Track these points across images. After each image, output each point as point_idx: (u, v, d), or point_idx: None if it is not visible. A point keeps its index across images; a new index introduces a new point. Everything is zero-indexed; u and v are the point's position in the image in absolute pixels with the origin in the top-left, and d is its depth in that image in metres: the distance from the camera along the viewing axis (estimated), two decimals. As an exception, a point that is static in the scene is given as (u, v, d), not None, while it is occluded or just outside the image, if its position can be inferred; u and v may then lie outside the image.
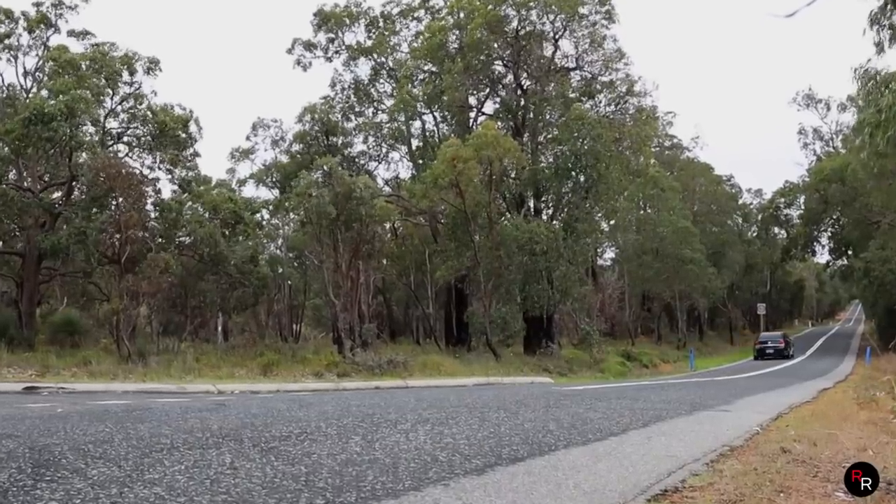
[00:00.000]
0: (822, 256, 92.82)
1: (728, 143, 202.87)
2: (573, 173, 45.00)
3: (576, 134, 44.03)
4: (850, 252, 79.05)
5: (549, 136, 50.83)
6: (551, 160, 48.32)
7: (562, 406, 15.42)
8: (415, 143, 55.49)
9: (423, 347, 50.11)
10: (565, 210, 47.25)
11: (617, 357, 51.84)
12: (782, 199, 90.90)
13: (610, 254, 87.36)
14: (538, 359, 42.20)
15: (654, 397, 19.43)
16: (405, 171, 60.56)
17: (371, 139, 57.74)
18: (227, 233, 38.57)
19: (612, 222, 71.57)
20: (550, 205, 49.74)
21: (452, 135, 48.45)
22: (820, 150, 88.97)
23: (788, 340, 68.14)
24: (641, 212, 78.21)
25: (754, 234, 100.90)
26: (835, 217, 79.67)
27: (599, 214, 55.54)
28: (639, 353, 58.40)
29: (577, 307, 51.43)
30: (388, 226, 48.67)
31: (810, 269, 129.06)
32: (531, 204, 49.10)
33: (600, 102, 51.33)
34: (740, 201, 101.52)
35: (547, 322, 47.06)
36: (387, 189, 56.45)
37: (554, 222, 46.67)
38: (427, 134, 54.42)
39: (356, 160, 56.91)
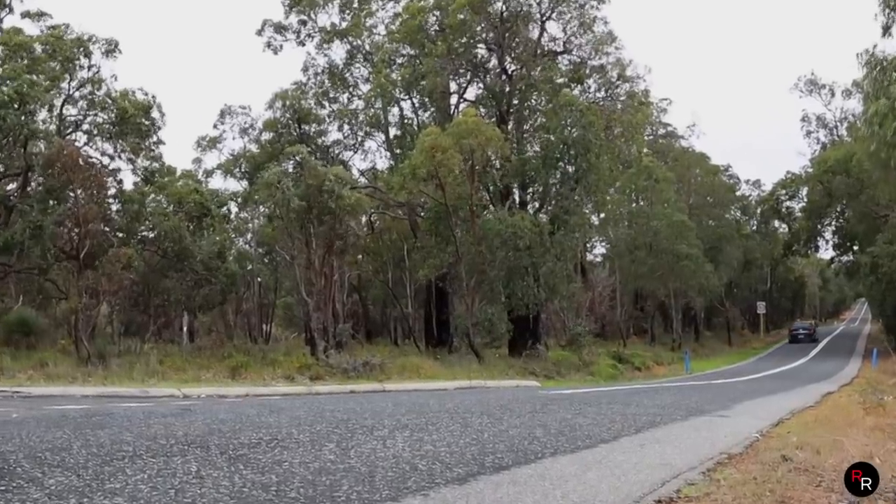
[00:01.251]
0: (826, 252, 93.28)
1: (725, 131, 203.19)
2: (561, 163, 44.91)
3: (564, 121, 43.98)
4: (855, 247, 79.27)
5: (536, 123, 50.97)
6: (538, 149, 48.49)
7: (549, 411, 15.56)
8: (392, 131, 55.54)
9: (401, 349, 50.27)
10: (553, 202, 47.14)
11: (608, 359, 51.82)
12: (783, 191, 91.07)
13: (600, 249, 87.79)
14: (524, 361, 42.18)
15: (648, 402, 19.58)
16: (382, 161, 60.62)
17: (346, 127, 57.66)
18: (192, 227, 38.53)
19: (602, 215, 71.98)
20: (537, 197, 49.92)
21: (432, 122, 48.49)
22: (824, 138, 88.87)
23: (815, 328, 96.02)
24: (634, 204, 77.93)
25: (753, 229, 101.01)
26: (839, 210, 79.78)
27: (589, 207, 55.78)
28: (631, 354, 58.41)
29: (566, 306, 51.62)
30: (363, 219, 48.60)
31: (813, 266, 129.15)
32: (516, 196, 49.18)
33: (590, 88, 51.39)
34: (738, 193, 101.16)
35: (533, 322, 47.20)
36: (362, 180, 56.45)
37: (540, 215, 46.70)
38: (405, 121, 54.30)
39: (330, 149, 56.88)
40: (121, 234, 36.45)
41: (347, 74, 56.28)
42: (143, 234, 38.30)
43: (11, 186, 37.39)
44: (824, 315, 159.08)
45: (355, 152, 59.27)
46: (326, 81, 56.54)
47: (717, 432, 13.28)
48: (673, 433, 12.89)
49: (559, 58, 50.85)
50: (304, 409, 14.74)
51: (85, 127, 40.38)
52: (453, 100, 53.29)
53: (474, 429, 11.92)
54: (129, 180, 41.90)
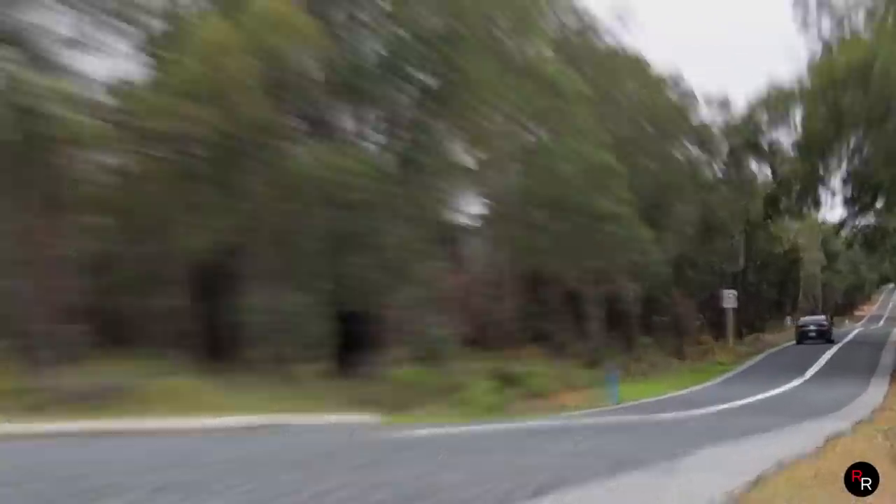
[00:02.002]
0: (834, 210, 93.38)
1: (674, 22, 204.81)
2: (415, 71, 45.30)
3: (419, 5, 44.26)
4: (878, 203, 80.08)
5: (376, 10, 51.33)
6: (379, 49, 48.85)
7: (397, 462, 15.78)
8: (154, 23, 55.27)
9: (165, 363, 50.66)
10: (402, 133, 47.52)
11: (488, 381, 52.54)
12: (765, 115, 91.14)
13: (478, 208, 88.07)
14: (356, 383, 42.72)
15: (553, 448, 19.97)
16: (137, 70, 60.65)
17: (80, 16, 57.40)
18: None
19: (481, 156, 72.46)
20: (379, 126, 50.13)
21: (215, 11, 48.83)
22: (829, 33, 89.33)
23: (831, 323, 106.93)
24: (530, 137, 78.54)
25: (719, 175, 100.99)
26: (854, 145, 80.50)
27: (460, 142, 56.03)
28: (525, 373, 58.60)
29: (422, 297, 52.29)
30: (106, 161, 48.83)
31: (812, 232, 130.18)
32: (346, 125, 49.65)
33: (460, -48, 51.62)
34: (695, 121, 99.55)
35: (371, 322, 47.60)
36: (106, 101, 56.54)
37: (384, 155, 47.06)
38: (174, 9, 54.19)
39: (52, 51, 56.72)
40: None
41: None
42: None
43: None
44: (830, 310, 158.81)
45: (93, 57, 59.08)
46: (48, -58, 56.06)
47: (661, 495, 12.90)
48: (591, 498, 12.29)
49: None
50: (8, 462, 14.55)
51: None
52: (247, -26, 53.38)
53: (278, 491, 11.58)
54: None
